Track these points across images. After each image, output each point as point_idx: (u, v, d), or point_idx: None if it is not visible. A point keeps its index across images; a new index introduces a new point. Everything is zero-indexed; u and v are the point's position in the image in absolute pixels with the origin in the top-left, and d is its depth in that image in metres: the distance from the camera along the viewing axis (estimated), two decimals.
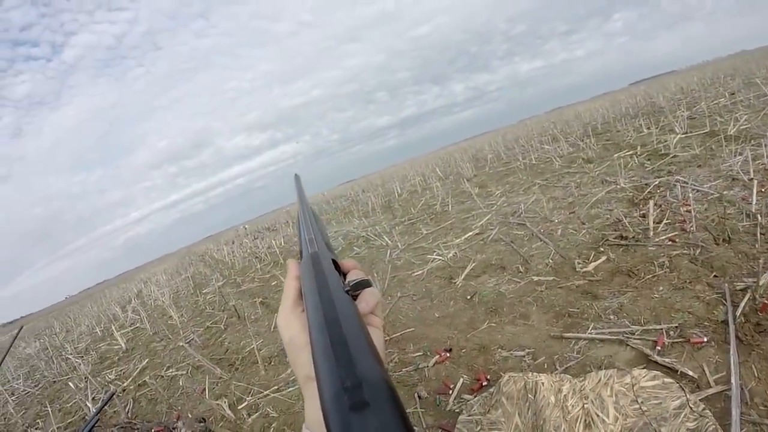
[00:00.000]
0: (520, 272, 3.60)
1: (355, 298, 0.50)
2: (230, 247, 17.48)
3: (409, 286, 4.20)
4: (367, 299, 0.51)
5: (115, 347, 6.74)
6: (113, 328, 7.80)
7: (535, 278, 3.37)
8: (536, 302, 3.03)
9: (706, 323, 2.26)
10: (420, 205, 8.69)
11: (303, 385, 0.48)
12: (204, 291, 8.62)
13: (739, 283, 2.51)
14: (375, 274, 4.53)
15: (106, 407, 3.86)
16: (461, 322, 3.10)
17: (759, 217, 3.18)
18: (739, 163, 4.61)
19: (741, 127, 6.42)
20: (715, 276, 2.69)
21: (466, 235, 5.19)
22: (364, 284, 0.52)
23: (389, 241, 6.14)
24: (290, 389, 3.00)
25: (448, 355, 2.71)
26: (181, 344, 5.27)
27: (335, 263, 0.58)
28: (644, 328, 2.38)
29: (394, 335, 3.23)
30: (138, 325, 7.86)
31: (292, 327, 0.51)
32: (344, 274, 0.59)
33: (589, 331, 2.49)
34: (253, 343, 4.18)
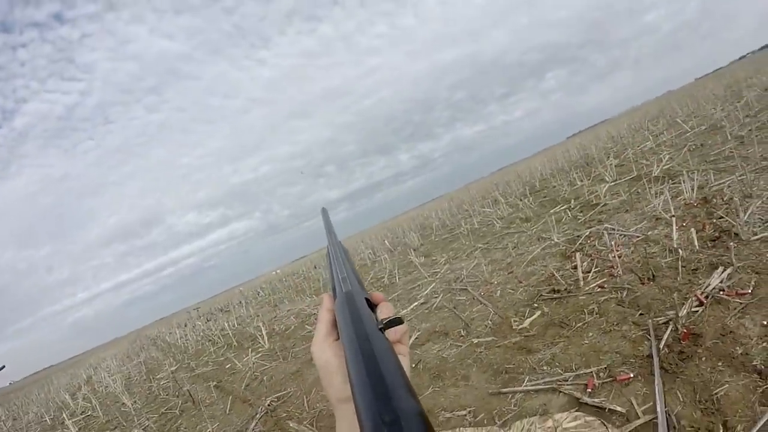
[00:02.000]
0: (462, 336, 3.83)
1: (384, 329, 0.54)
2: (182, 330, 17.18)
3: None
4: (396, 328, 0.55)
5: None
6: (64, 416, 7.68)
7: (475, 340, 3.60)
8: (476, 363, 3.21)
9: (632, 360, 2.48)
10: (369, 278, 9.04)
11: (335, 406, 0.54)
12: (157, 376, 8.60)
13: (662, 317, 2.76)
14: None
15: None
16: None
17: (680, 251, 3.51)
18: (661, 203, 5.01)
19: (664, 167, 7.02)
20: (640, 314, 2.94)
21: (412, 306, 5.51)
22: (396, 322, 0.55)
23: None
24: None
25: None
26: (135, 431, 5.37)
27: (368, 301, 0.61)
28: (575, 373, 2.57)
29: None
30: (90, 413, 7.75)
31: (326, 353, 0.57)
32: (375, 306, 0.62)
33: (524, 384, 2.68)
34: (209, 427, 4.37)
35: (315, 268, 21.47)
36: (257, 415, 4.03)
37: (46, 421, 9.18)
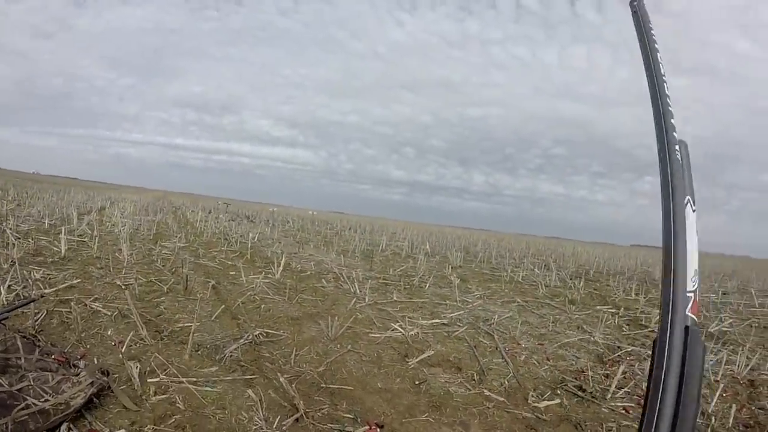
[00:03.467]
0: (474, 380, 3.47)
1: None
2: (205, 214, 17.16)
3: (362, 344, 4.03)
4: None
5: (54, 248, 6.40)
6: (62, 229, 7.46)
7: (486, 392, 3.26)
8: (480, 416, 2.90)
9: None
10: (399, 270, 8.54)
11: None
12: (162, 244, 8.33)
13: None
14: (330, 318, 4.33)
15: (20, 309, 3.59)
16: (401, 404, 2.94)
17: (712, 419, 3.16)
18: (711, 363, 4.52)
19: (722, 329, 6.43)
20: None
21: (433, 321, 5.05)
22: None
23: (358, 291, 5.96)
24: (206, 388, 2.75)
25: (378, 430, 2.54)
26: (118, 283, 5.00)
27: None
28: None
29: (332, 386, 3.05)
30: (86, 240, 7.52)
31: None
32: None
33: None
34: (190, 321, 3.92)
35: (349, 229, 21.21)
36: (241, 340, 3.62)
37: (44, 223, 9.06)
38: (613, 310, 7.07)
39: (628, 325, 6.26)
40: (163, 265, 6.34)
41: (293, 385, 2.82)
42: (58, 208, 12.74)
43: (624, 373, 4.02)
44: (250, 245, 9.03)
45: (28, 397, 2.16)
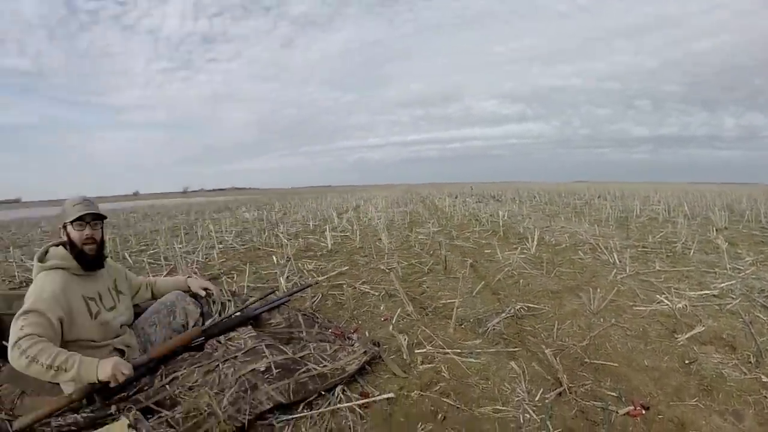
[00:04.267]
0: (750, 363, 2.67)
1: None
2: (452, 200, 17.72)
3: (626, 318, 3.44)
4: None
5: (321, 244, 7.26)
6: (327, 228, 8.42)
7: (764, 378, 2.49)
8: (755, 406, 2.22)
9: None
10: (658, 236, 7.33)
11: None
12: (417, 230, 8.72)
13: None
14: (591, 291, 3.82)
15: (299, 293, 4.05)
16: (669, 385, 2.37)
17: None
18: None
19: None
20: None
21: (702, 292, 4.07)
22: None
23: (617, 260, 5.24)
24: (470, 359, 2.67)
25: (643, 412, 2.11)
26: (382, 267, 5.33)
27: None
28: None
29: (595, 361, 2.68)
30: (348, 234, 8.38)
31: None
32: None
33: None
34: (452, 297, 3.91)
35: (597, 197, 19.61)
36: (502, 314, 3.45)
37: (309, 225, 10.44)
38: None
39: None
40: (420, 249, 6.56)
41: (557, 359, 2.56)
42: (318, 211, 14.67)
43: None
44: (501, 223, 8.85)
45: (308, 363, 2.37)
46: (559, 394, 2.27)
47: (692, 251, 5.98)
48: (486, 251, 6.27)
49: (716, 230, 7.89)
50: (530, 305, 3.70)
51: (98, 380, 1.94)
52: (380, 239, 7.20)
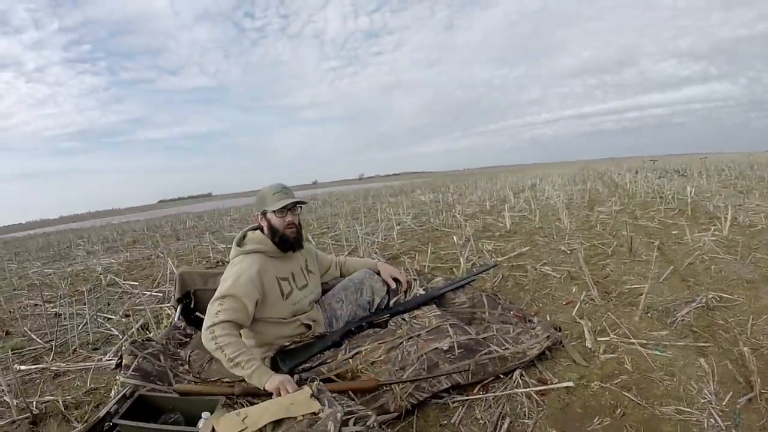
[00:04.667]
0: None
1: None
2: (633, 175, 16.27)
3: None
4: None
5: (500, 224, 7.35)
6: (505, 208, 8.42)
7: None
8: None
9: None
10: None
11: None
12: (597, 209, 8.29)
13: None
14: None
15: (483, 273, 4.24)
16: None
17: None
18: None
19: None
20: None
21: None
22: None
23: None
24: (656, 352, 2.53)
25: None
26: (563, 248, 5.27)
27: None
28: None
29: None
30: (525, 214, 8.31)
31: None
32: None
33: None
34: (638, 283, 3.74)
35: None
36: (693, 303, 3.18)
37: (485, 206, 10.51)
38: None
39: None
40: (603, 229, 6.29)
41: (752, 359, 2.28)
42: (494, 191, 14.54)
43: None
44: (689, 201, 7.98)
45: (491, 345, 2.43)
46: (750, 399, 2.05)
47: None
48: (673, 232, 5.77)
49: None
50: (723, 295, 3.37)
51: (263, 389, 2.01)
52: (560, 219, 7.05)
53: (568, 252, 5.06)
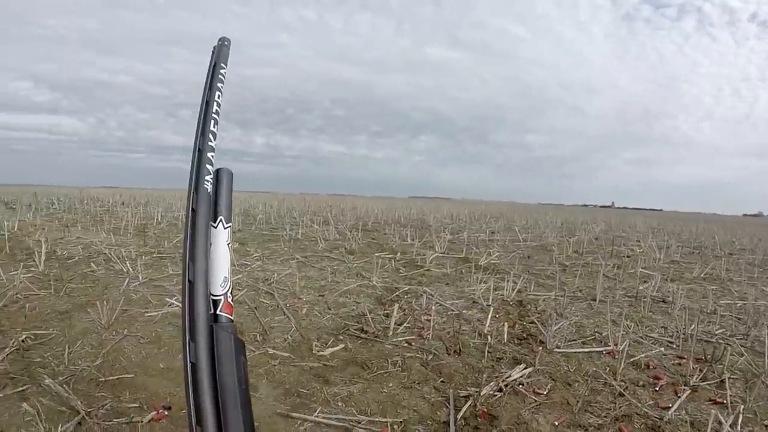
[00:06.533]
0: (257, 341, 3.37)
1: None
2: None
3: (139, 326, 3.65)
4: None
5: None
6: None
7: (271, 351, 3.19)
8: (267, 375, 2.82)
9: (429, 422, 2.37)
10: (175, 241, 7.47)
11: None
12: None
13: (463, 391, 2.72)
14: (104, 303, 3.88)
15: None
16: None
17: (489, 338, 3.59)
18: (482, 290, 5.13)
19: (491, 261, 7.45)
20: (442, 381, 2.88)
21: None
22: None
23: (131, 269, 5.38)
24: None
25: (166, 413, 2.29)
26: None
27: None
28: (370, 419, 2.37)
29: (110, 378, 2.67)
30: None
31: None
32: None
33: (316, 414, 2.38)
34: None
35: (121, 204, 18.95)
36: (6, 349, 3.03)
37: None
38: (390, 256, 7.65)
39: (404, 267, 6.82)
40: None
41: (70, 386, 2.50)
42: None
43: (402, 309, 4.33)
44: (8, 236, 7.53)
45: None
46: (79, 423, 2.16)
47: None
48: None
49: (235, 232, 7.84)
50: (38, 332, 3.35)
51: None
52: None
53: None
